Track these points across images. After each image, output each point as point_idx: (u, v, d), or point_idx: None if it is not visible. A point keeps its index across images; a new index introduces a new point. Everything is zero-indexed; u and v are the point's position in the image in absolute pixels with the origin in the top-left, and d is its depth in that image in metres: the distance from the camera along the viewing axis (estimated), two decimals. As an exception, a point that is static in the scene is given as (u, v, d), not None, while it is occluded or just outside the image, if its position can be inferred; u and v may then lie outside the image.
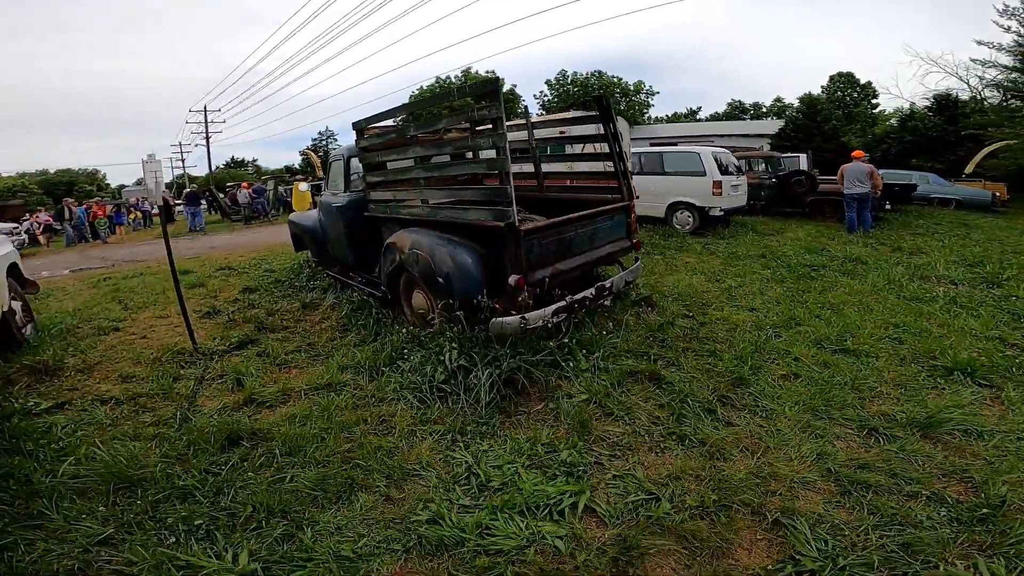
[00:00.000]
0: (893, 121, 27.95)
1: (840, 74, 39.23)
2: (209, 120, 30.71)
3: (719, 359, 4.01)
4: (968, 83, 25.31)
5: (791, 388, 3.57)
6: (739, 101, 50.67)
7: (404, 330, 4.31)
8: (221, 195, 20.74)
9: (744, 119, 46.06)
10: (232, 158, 55.93)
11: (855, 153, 10.78)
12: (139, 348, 4.79)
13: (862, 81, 38.73)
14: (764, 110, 47.21)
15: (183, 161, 35.07)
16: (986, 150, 16.98)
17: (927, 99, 26.11)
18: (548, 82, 42.85)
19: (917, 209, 13.40)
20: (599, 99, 4.37)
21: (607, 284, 4.43)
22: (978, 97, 24.88)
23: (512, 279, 3.71)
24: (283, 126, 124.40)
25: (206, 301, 6.31)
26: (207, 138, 30.66)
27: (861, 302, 5.50)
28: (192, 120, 31.13)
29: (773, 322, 4.87)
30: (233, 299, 6.34)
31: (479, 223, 3.87)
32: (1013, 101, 20.27)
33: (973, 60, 23.84)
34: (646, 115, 42.97)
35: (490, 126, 3.65)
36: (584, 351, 3.95)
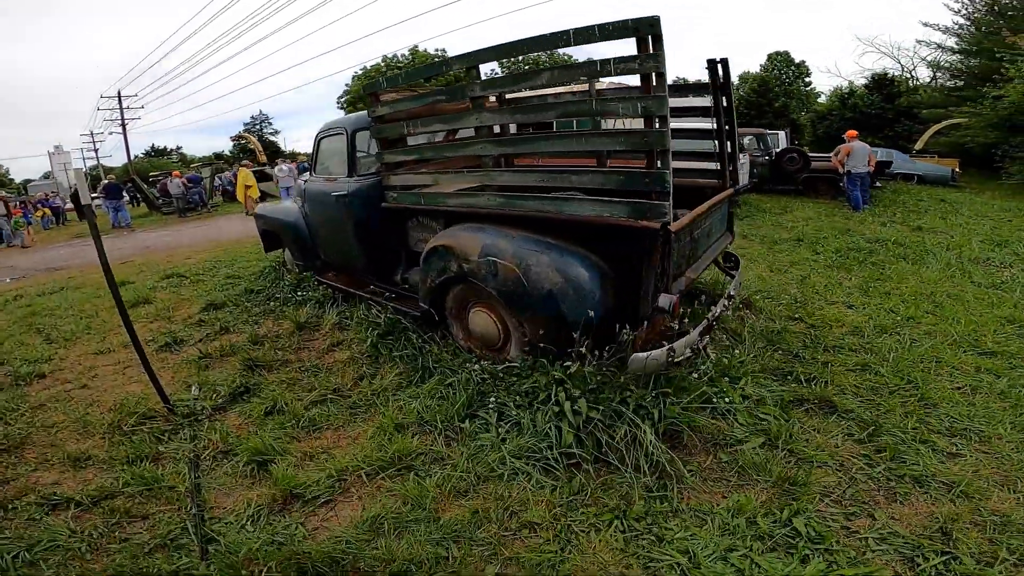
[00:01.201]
0: (833, 98, 28.82)
1: (778, 53, 40.18)
2: (125, 106, 26.82)
3: (875, 373, 3.32)
4: (900, 62, 26.36)
5: (982, 405, 3.00)
6: (683, 79, 51.17)
7: (476, 365, 3.09)
8: (145, 185, 17.91)
9: (687, 96, 46.54)
10: (152, 146, 50.13)
11: (849, 133, 10.46)
12: (81, 407, 3.31)
13: (797, 60, 39.91)
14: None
15: (96, 151, 30.65)
16: (936, 127, 17.50)
17: (864, 78, 27.07)
18: (500, 61, 41.11)
19: (891, 185, 13.46)
20: (717, 63, 3.22)
21: (732, 292, 3.41)
22: (910, 76, 25.99)
23: (665, 300, 2.67)
24: (209, 111, 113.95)
25: (160, 326, 4.72)
26: (123, 125, 26.76)
27: (949, 293, 4.95)
28: (105, 107, 27.07)
29: (887, 322, 4.19)
30: (196, 320, 4.79)
31: (601, 221, 2.70)
32: (954, 81, 21.14)
33: (919, 41, 24.73)
34: None
35: (643, 84, 2.45)
36: (726, 378, 2.97)
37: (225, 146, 49.69)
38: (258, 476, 2.51)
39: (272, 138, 45.11)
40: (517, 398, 2.78)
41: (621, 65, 2.41)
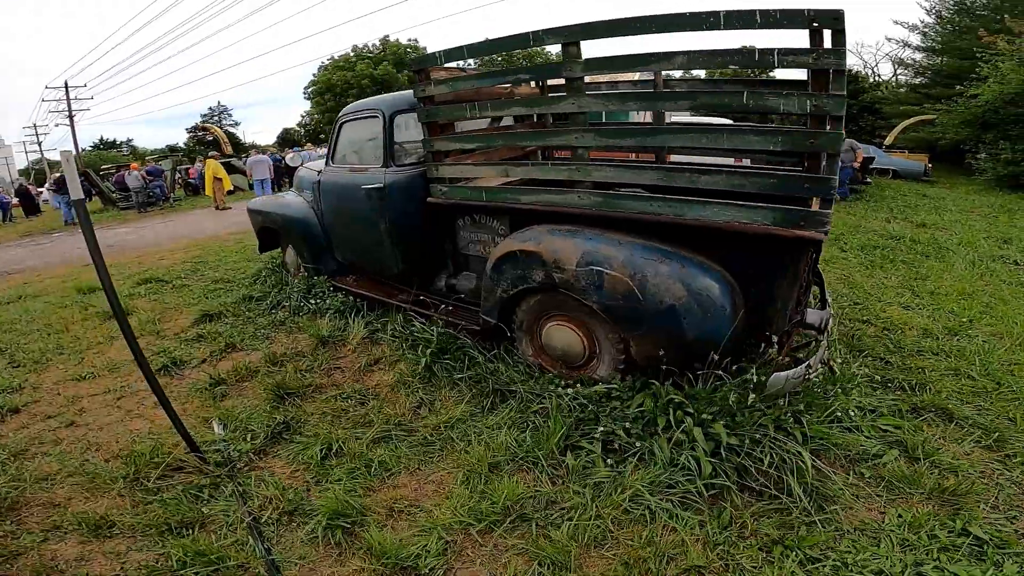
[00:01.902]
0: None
1: (744, 47, 41.00)
2: (73, 97, 24.61)
3: (968, 377, 3.16)
4: (863, 58, 27.02)
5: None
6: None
7: (568, 389, 2.63)
8: (97, 177, 16.32)
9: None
10: (101, 138, 46.46)
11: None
12: (76, 452, 2.66)
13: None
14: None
15: (39, 144, 28.06)
16: (907, 123, 18.03)
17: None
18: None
19: (874, 180, 13.71)
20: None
21: (829, 300, 3.06)
22: (872, 72, 26.76)
23: (815, 316, 2.54)
24: (161, 103, 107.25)
25: (149, 343, 3.99)
26: (70, 117, 24.54)
27: (990, 293, 4.87)
28: (50, 98, 24.81)
29: (950, 324, 4.03)
30: (192, 335, 4.08)
31: (737, 227, 2.29)
32: (920, 78, 21.85)
33: (888, 39, 25.41)
34: None
35: (815, 80, 2.12)
36: (839, 389, 2.68)
37: (179, 138, 46.82)
38: (345, 543, 1.97)
39: (232, 130, 42.71)
40: (626, 425, 2.40)
41: (790, 57, 2.04)
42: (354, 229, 3.92)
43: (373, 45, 33.18)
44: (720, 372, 2.38)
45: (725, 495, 2.11)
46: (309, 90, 34.86)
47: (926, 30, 19.85)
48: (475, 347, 3.19)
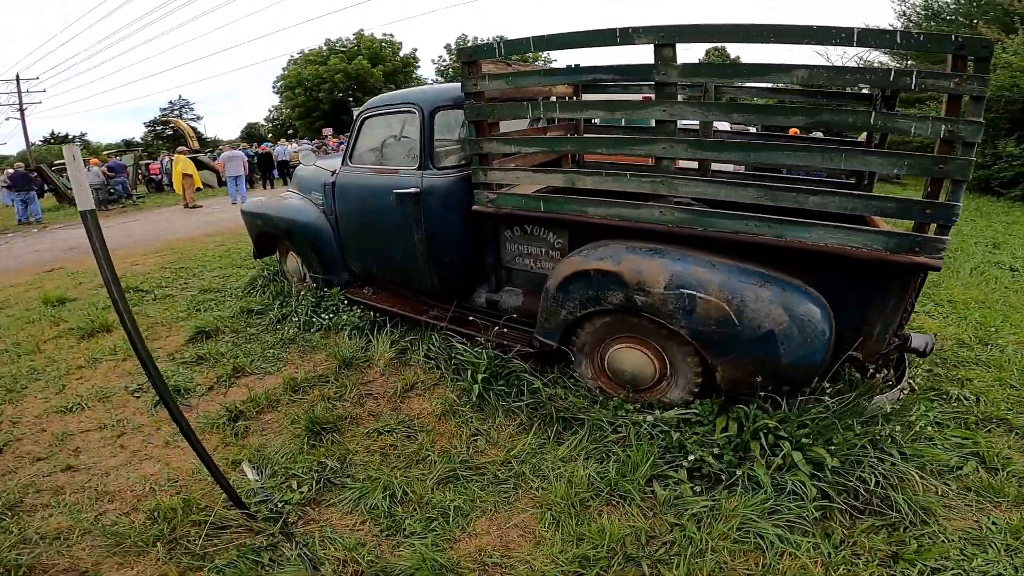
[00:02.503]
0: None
1: (715, 48, 41.66)
2: (24, 90, 22.88)
3: (1012, 387, 3.07)
4: (829, 59, 27.74)
5: None
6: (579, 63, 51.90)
7: (646, 415, 2.44)
8: (51, 173, 14.97)
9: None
10: (52, 132, 43.25)
11: (791, 131, 10.68)
12: (86, 503, 2.22)
13: (732, 55, 41.56)
14: None
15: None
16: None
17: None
18: (447, 46, 39.48)
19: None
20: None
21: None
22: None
23: (921, 340, 2.39)
24: (118, 97, 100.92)
25: (140, 372, 3.45)
26: (21, 111, 22.81)
27: (1003, 301, 4.83)
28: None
29: (980, 333, 3.97)
30: (192, 356, 3.57)
31: (843, 251, 2.16)
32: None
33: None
34: None
35: (949, 105, 2.00)
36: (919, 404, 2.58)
37: (136, 132, 44.23)
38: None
39: (193, 124, 40.67)
40: (714, 451, 2.24)
41: (930, 80, 1.92)
42: (378, 238, 3.50)
43: (347, 39, 32.06)
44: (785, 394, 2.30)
45: (829, 516, 2.04)
46: (278, 84, 33.41)
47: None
48: (530, 371, 2.85)
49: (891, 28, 1.96)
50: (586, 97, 3.60)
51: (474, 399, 2.77)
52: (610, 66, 2.46)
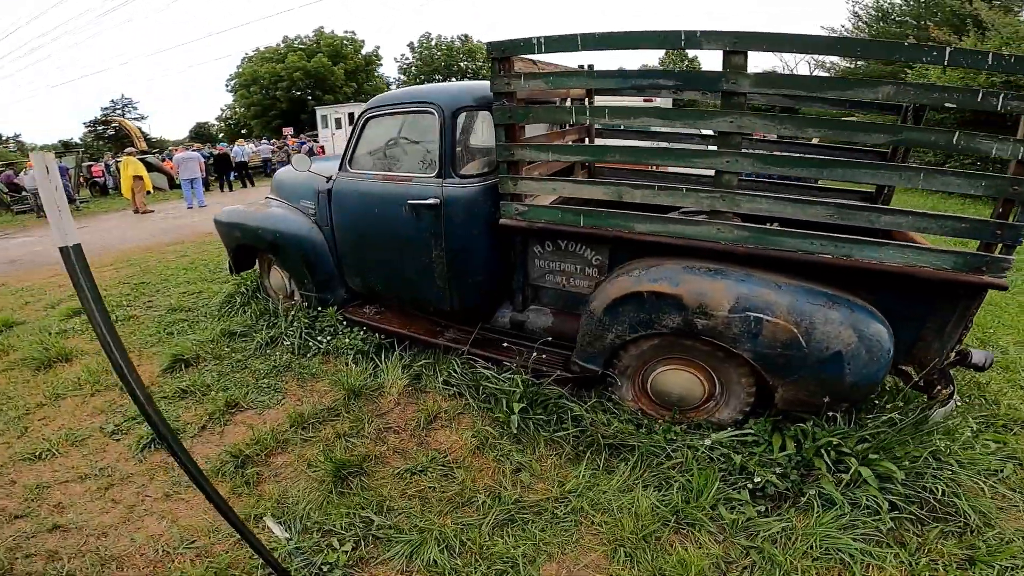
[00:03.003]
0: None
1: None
2: None
3: (1021, 388, 3.09)
4: (783, 59, 28.17)
5: None
6: (591, 65, 52.37)
7: (700, 441, 2.31)
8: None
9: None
10: (-19, 131, 39.48)
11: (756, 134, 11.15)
12: (88, 567, 1.86)
13: (691, 55, 42.48)
14: None
15: None
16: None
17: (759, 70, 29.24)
18: (411, 45, 38.62)
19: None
20: None
21: None
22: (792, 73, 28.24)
23: (981, 356, 2.25)
24: (54, 96, 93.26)
25: (115, 401, 2.98)
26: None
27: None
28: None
29: (979, 333, 4.00)
30: (174, 390, 3.10)
31: (909, 270, 2.08)
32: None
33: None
34: None
35: None
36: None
37: (75, 132, 40.90)
38: None
39: (138, 124, 38.07)
40: (777, 470, 2.18)
41: (1015, 103, 1.82)
42: (385, 252, 3.15)
43: (306, 37, 30.75)
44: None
45: (899, 526, 2.02)
46: (232, 82, 31.66)
47: (847, 35, 20.69)
48: (569, 397, 2.63)
49: (984, 50, 1.80)
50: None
51: (513, 430, 2.49)
52: (669, 71, 2.26)
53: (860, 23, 19.37)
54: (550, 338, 2.88)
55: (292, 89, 29.02)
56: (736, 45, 2.00)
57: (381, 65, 34.49)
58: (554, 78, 2.35)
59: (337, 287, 3.62)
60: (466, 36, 38.59)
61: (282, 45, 30.21)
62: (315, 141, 19.86)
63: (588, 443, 2.45)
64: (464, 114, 2.69)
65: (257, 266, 4.41)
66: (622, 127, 3.66)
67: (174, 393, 3.06)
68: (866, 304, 2.18)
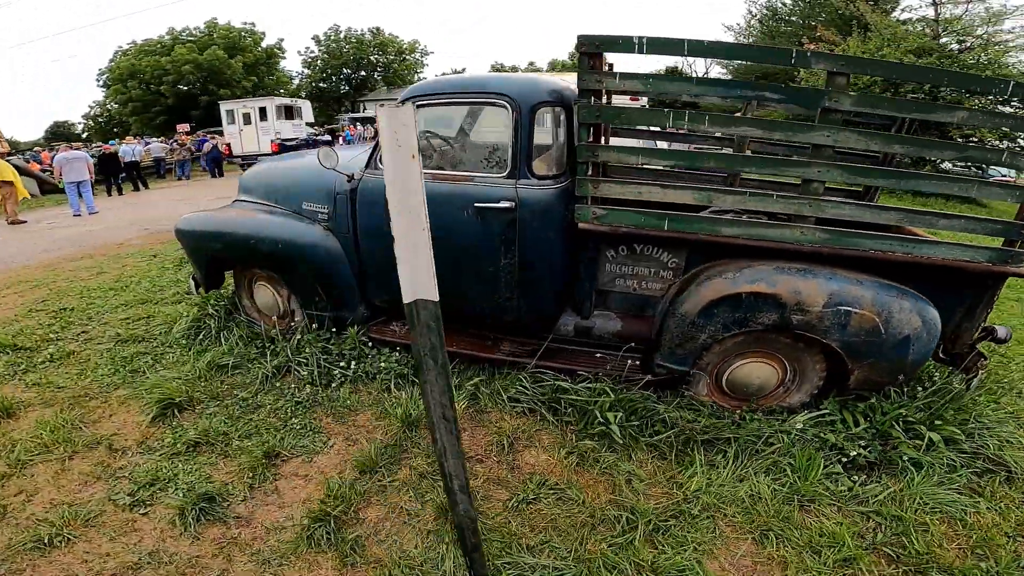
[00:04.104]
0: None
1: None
2: None
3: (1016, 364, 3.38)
4: (689, 63, 29.11)
5: None
6: (501, 64, 52.42)
7: (790, 425, 2.38)
8: None
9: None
10: None
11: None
12: None
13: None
14: (520, 72, 49.43)
15: None
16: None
17: (659, 71, 30.21)
18: (316, 38, 35.73)
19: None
20: None
21: None
22: (690, 69, 28.19)
23: (1004, 331, 2.52)
24: None
25: (109, 464, 2.27)
26: None
27: None
28: None
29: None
30: (184, 443, 2.43)
31: (955, 263, 2.29)
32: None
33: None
34: (420, 75, 40.53)
35: None
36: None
37: None
38: None
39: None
40: (861, 443, 2.33)
41: None
42: (437, 260, 2.74)
43: (198, 30, 27.08)
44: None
45: (970, 480, 2.22)
46: (104, 77, 26.93)
47: (742, 34, 22.05)
48: (656, 399, 2.57)
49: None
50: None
51: (618, 440, 2.33)
52: (775, 85, 2.23)
53: (753, 20, 20.66)
54: (615, 341, 2.74)
55: (179, 84, 25.44)
56: (841, 67, 2.07)
57: (284, 58, 31.55)
58: (654, 81, 2.19)
59: (356, 304, 3.13)
60: (378, 29, 36.73)
61: (167, 37, 26.32)
62: (220, 137, 17.61)
63: (684, 442, 2.39)
64: (541, 110, 2.42)
65: (235, 285, 3.68)
66: (718, 134, 3.55)
67: (184, 446, 2.41)
68: (918, 293, 2.35)
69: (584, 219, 2.48)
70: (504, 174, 2.49)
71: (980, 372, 2.62)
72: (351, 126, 27.53)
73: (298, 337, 3.20)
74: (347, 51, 35.27)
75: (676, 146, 3.53)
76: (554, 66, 37.73)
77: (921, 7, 13.91)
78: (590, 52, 2.20)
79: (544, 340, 2.85)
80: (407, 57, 39.37)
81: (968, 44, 11.79)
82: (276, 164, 3.68)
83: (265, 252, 3.10)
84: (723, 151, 4.29)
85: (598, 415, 2.44)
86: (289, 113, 17.99)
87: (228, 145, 17.07)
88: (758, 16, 20.75)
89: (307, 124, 20.11)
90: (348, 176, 2.87)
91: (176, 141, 18.07)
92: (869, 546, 1.90)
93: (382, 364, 2.95)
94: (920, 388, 2.54)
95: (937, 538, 1.91)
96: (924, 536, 1.92)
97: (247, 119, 16.67)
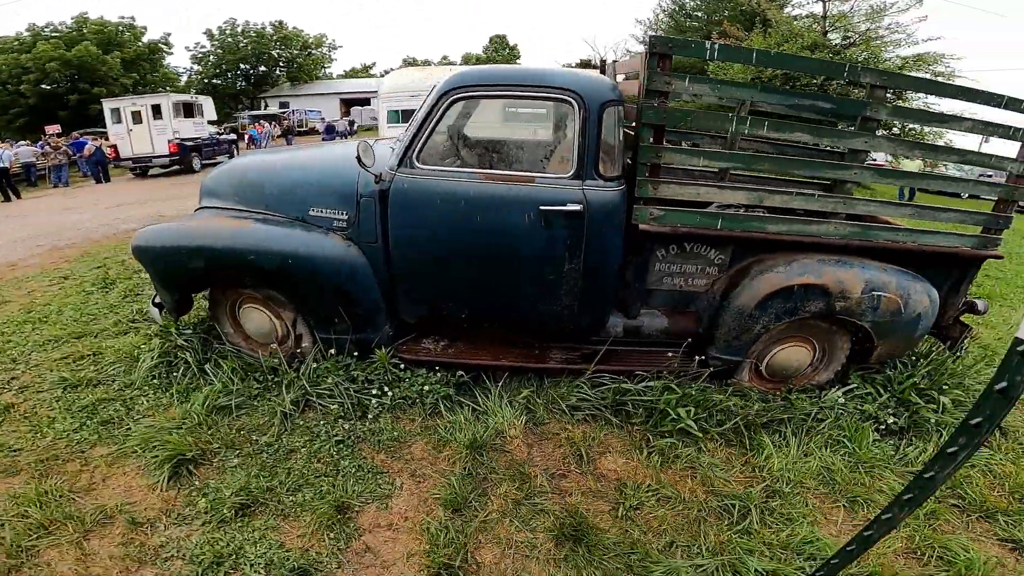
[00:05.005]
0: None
1: (497, 36, 43.27)
2: None
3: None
4: (600, 54, 29.75)
5: None
6: (413, 57, 50.18)
7: (834, 400, 2.56)
8: None
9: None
10: None
11: None
12: None
13: (512, 43, 43.56)
14: (433, 67, 47.60)
15: None
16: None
17: (569, 64, 29.08)
18: (208, 32, 31.38)
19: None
20: None
21: None
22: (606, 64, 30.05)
23: (983, 304, 2.80)
24: None
25: (141, 543, 1.72)
26: None
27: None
28: None
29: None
30: (229, 507, 1.93)
31: (950, 249, 2.56)
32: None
33: (633, 36, 26.39)
34: (327, 69, 37.67)
35: None
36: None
37: None
38: None
39: None
40: (890, 410, 2.60)
41: None
42: (486, 269, 2.50)
43: (65, 26, 22.47)
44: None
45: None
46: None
47: (652, 27, 21.70)
48: (713, 391, 2.59)
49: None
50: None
51: (698, 434, 2.36)
52: (828, 95, 2.33)
53: (662, 13, 21.07)
54: (661, 338, 2.71)
55: (43, 83, 21.14)
56: (883, 82, 2.24)
57: (171, 54, 27.40)
58: (721, 86, 2.14)
59: (383, 322, 2.73)
60: (280, 22, 33.26)
61: (26, 34, 21.59)
62: (103, 139, 14.85)
63: (747, 426, 2.44)
64: (608, 108, 2.25)
65: (211, 308, 3.05)
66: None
67: (231, 511, 1.92)
68: (921, 276, 2.61)
69: (643, 220, 2.39)
70: (569, 175, 2.30)
71: (967, 340, 2.89)
72: (257, 124, 24.81)
73: (313, 365, 2.73)
74: (244, 45, 31.59)
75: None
76: (467, 60, 37.03)
77: (809, 3, 14.07)
78: (662, 54, 2.09)
79: (591, 344, 2.73)
80: (313, 52, 36.31)
81: (852, 40, 12.47)
82: (257, 163, 3.06)
83: (270, 270, 2.56)
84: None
85: (670, 412, 2.38)
86: (189, 111, 15.63)
87: (114, 147, 14.44)
88: (667, 11, 21.26)
89: (209, 122, 17.68)
90: (376, 176, 2.46)
91: (47, 144, 14.94)
92: (938, 500, 2.08)
93: (425, 387, 2.62)
94: (919, 360, 2.81)
95: (982, 488, 2.14)
96: (971, 487, 2.14)
97: (137, 118, 14.18)
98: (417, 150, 2.40)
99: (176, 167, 14.66)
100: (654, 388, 2.50)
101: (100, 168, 13.68)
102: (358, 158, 2.27)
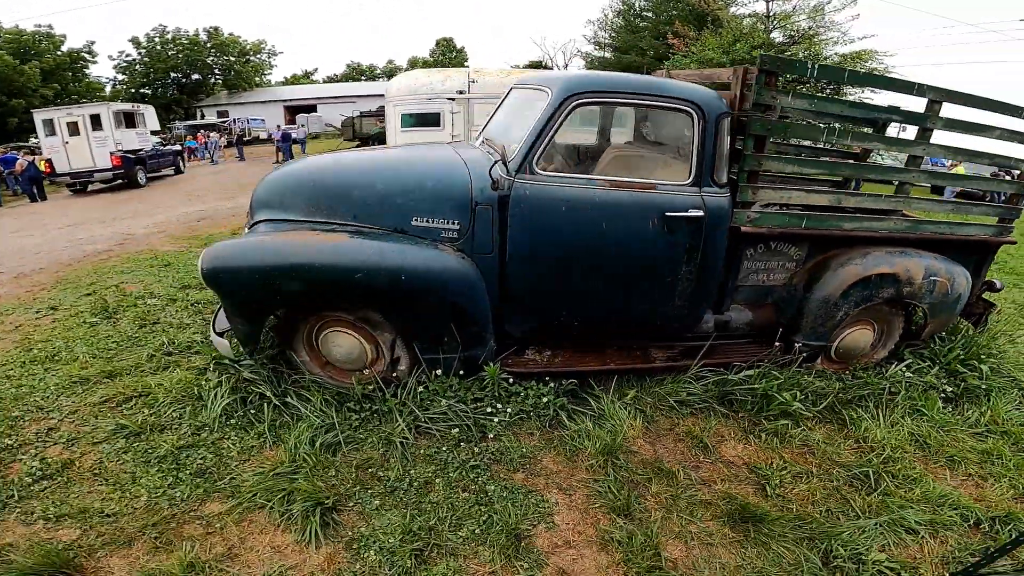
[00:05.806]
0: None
1: (444, 39, 41.89)
2: None
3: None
4: (550, 56, 27.71)
5: None
6: (357, 63, 47.73)
7: (901, 373, 2.83)
8: None
9: (361, 80, 43.40)
10: None
11: None
12: None
13: (459, 46, 42.14)
14: (379, 72, 45.65)
15: None
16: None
17: (518, 66, 29.56)
18: (135, 40, 27.99)
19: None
20: None
21: None
22: (551, 62, 27.76)
23: (1000, 284, 3.14)
24: None
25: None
26: None
27: None
28: None
29: None
30: (405, 553, 1.75)
31: (978, 238, 2.84)
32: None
33: (584, 36, 26.03)
34: (267, 76, 35.08)
35: None
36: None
37: None
38: None
39: None
40: (944, 380, 2.81)
41: None
42: (606, 276, 2.44)
43: None
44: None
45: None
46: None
47: (603, 27, 21.43)
48: (804, 374, 2.72)
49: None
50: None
51: (807, 415, 2.50)
52: (896, 108, 2.55)
53: (615, 17, 20.61)
54: (747, 331, 2.81)
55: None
56: (937, 97, 2.47)
57: (95, 63, 24.25)
58: (818, 101, 2.25)
59: (489, 338, 2.57)
60: (215, 29, 30.39)
61: None
62: (31, 153, 12.92)
63: (842, 403, 2.60)
64: (724, 119, 2.27)
65: (275, 334, 2.72)
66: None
67: (410, 560, 1.73)
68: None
69: (742, 222, 2.45)
70: (687, 182, 2.31)
71: (989, 315, 3.18)
72: (199, 134, 22.65)
73: (420, 389, 2.53)
74: (175, 53, 28.60)
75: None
76: (414, 63, 35.76)
77: (751, 2, 14.86)
78: (768, 71, 2.14)
79: (684, 341, 2.77)
80: (251, 58, 33.62)
81: (795, 39, 12.55)
82: (331, 167, 2.68)
83: (378, 288, 2.27)
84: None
85: (776, 396, 2.47)
86: (131, 120, 13.94)
87: (48, 162, 12.61)
88: (617, 11, 20.89)
89: (152, 132, 15.91)
90: (493, 182, 2.29)
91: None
92: (1015, 452, 2.32)
93: (542, 399, 2.51)
94: (951, 337, 3.06)
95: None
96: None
97: (74, 129, 12.44)
98: (537, 156, 2.27)
99: (120, 181, 13.08)
100: (752, 376, 2.58)
101: (35, 185, 11.90)
102: (496, 162, 2.13)
